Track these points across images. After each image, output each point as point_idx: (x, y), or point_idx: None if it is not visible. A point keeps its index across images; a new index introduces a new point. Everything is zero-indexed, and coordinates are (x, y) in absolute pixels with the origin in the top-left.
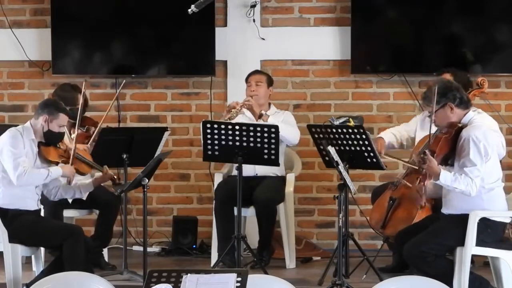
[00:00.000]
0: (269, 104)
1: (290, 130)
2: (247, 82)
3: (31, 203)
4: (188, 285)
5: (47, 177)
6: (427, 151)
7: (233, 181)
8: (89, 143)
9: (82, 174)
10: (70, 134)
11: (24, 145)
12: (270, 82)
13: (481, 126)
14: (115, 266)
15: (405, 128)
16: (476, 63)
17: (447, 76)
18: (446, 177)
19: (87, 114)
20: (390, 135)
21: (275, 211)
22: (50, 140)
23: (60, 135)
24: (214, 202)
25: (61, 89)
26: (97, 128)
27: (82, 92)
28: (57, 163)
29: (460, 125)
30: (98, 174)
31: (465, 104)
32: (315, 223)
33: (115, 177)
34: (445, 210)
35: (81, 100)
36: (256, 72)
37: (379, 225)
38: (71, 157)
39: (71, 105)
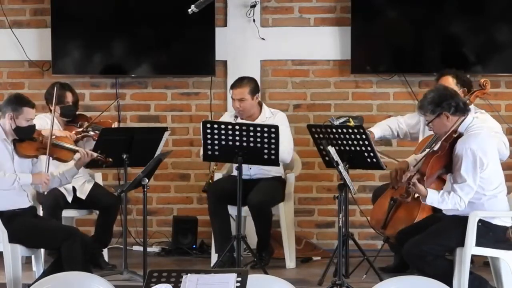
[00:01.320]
0: (261, 106)
1: (281, 152)
2: (231, 93)
3: (22, 201)
4: (188, 285)
5: (14, 183)
6: (413, 180)
7: (225, 180)
8: (80, 136)
9: (65, 161)
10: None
11: None
12: (254, 91)
13: (477, 135)
14: (115, 266)
15: (407, 121)
16: (476, 63)
17: (449, 79)
18: (433, 199)
19: (86, 113)
20: (384, 127)
21: (270, 213)
22: (22, 135)
23: (31, 129)
24: (207, 201)
25: (51, 87)
26: (90, 123)
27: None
28: (35, 157)
29: (455, 135)
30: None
31: (462, 111)
32: (315, 223)
33: (102, 156)
34: (445, 211)
35: (70, 97)
36: (237, 85)
37: (380, 225)
38: (48, 146)
39: (59, 102)
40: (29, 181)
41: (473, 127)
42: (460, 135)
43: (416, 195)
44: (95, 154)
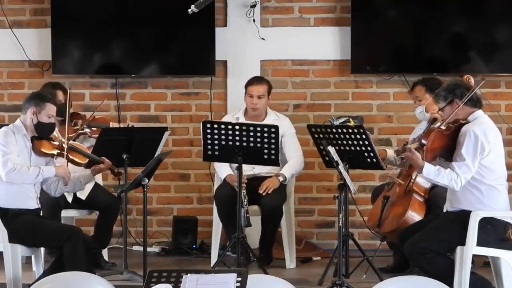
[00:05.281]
0: (266, 110)
1: (297, 166)
2: (246, 90)
3: (31, 202)
4: (188, 285)
5: (38, 176)
6: (409, 142)
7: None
8: (74, 134)
9: (79, 164)
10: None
11: (16, 142)
12: (270, 91)
13: (483, 123)
14: (115, 264)
15: None
16: (476, 63)
17: (419, 89)
18: (429, 170)
19: (87, 113)
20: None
21: (282, 213)
22: (42, 132)
23: (51, 126)
24: (215, 204)
25: (44, 87)
26: (84, 121)
27: (68, 92)
28: (52, 155)
29: (463, 121)
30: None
31: (473, 102)
32: (315, 223)
33: (114, 167)
34: (447, 206)
35: (61, 95)
36: (258, 82)
37: (375, 224)
38: (65, 148)
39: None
40: (52, 173)
41: (482, 118)
42: (467, 122)
43: (407, 189)
44: (110, 163)
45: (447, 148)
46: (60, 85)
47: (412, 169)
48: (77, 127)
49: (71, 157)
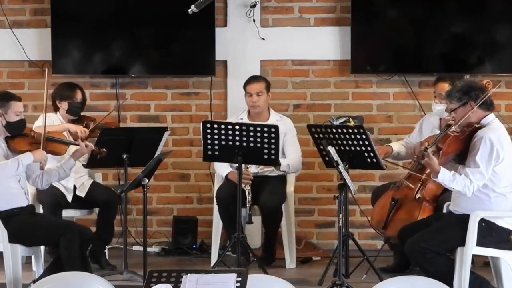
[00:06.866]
0: (268, 108)
1: (295, 161)
2: (245, 90)
3: (20, 199)
4: (188, 285)
5: (19, 167)
6: (429, 147)
7: (232, 182)
8: (87, 136)
9: (59, 154)
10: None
11: None
12: (268, 87)
13: (498, 129)
14: (115, 266)
15: (411, 139)
16: (476, 63)
17: (445, 86)
18: (444, 175)
19: (87, 113)
20: (399, 146)
21: (281, 213)
22: (13, 131)
23: (22, 123)
24: (216, 205)
25: (59, 88)
26: (96, 123)
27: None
28: (30, 151)
29: (477, 125)
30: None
31: (487, 106)
32: (315, 223)
33: (95, 147)
34: (451, 207)
35: (79, 95)
36: (254, 80)
37: (381, 225)
38: (41, 140)
39: (68, 98)
40: (31, 159)
41: (494, 122)
42: (482, 126)
43: (418, 196)
44: (92, 145)
45: (460, 152)
46: (80, 86)
47: (423, 173)
48: (88, 129)
49: (48, 148)
